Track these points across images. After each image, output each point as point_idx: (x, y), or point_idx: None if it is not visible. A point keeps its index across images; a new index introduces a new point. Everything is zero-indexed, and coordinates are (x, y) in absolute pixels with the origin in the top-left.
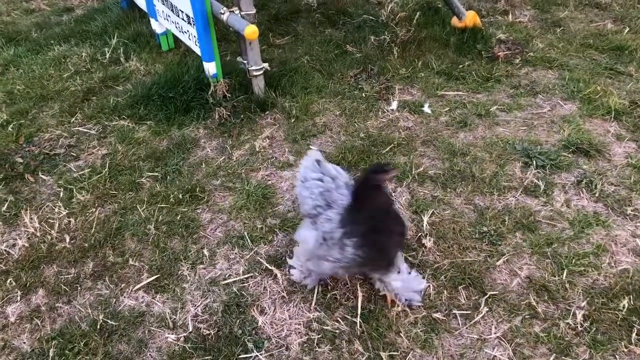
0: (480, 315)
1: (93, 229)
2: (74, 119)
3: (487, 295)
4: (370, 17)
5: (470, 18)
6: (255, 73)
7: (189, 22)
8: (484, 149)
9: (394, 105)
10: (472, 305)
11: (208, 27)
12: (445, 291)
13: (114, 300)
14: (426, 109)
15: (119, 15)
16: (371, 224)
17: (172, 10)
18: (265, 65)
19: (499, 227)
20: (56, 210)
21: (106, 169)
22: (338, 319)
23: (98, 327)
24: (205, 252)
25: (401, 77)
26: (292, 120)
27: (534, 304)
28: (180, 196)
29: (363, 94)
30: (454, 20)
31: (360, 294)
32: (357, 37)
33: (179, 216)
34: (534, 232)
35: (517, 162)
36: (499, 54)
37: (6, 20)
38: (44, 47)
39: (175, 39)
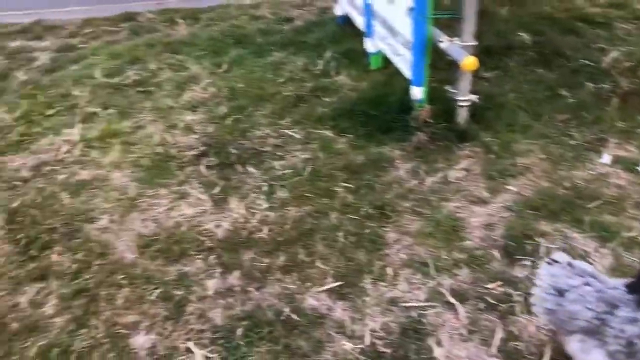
0: None
1: (288, 226)
2: (283, 121)
3: None
4: (589, 63)
5: None
6: (461, 103)
7: (405, 46)
8: None
9: (607, 159)
10: None
11: (424, 53)
12: None
13: (299, 296)
14: None
15: (334, 30)
16: None
17: (390, 33)
18: (474, 97)
19: None
20: (258, 202)
21: (306, 173)
22: None
23: (282, 318)
24: (389, 270)
25: (617, 130)
26: (492, 156)
27: None
28: (370, 211)
29: (572, 142)
30: None
31: (548, 352)
32: (572, 81)
33: (367, 230)
34: None
35: None
36: None
37: (236, 24)
38: (264, 51)
39: (385, 59)
